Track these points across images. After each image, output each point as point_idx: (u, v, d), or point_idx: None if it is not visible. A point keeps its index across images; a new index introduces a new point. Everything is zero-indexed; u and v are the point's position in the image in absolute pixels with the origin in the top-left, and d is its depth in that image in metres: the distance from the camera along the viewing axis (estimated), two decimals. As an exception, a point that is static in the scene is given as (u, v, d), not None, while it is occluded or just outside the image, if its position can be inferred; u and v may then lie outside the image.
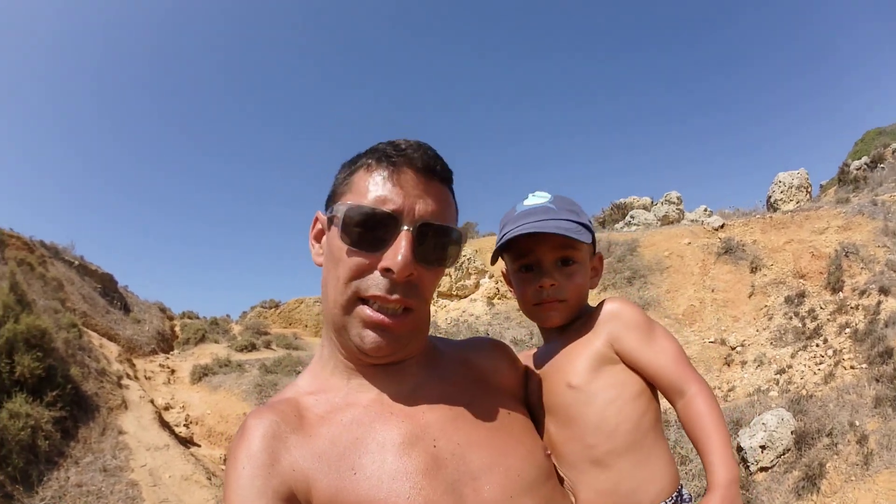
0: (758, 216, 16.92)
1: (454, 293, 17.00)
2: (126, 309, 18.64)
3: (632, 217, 20.73)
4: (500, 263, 1.60)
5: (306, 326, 24.94)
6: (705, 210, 20.32)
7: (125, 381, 10.90)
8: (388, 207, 1.13)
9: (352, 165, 1.23)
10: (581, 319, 1.48)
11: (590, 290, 1.52)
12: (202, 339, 18.89)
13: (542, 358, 1.50)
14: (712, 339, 13.25)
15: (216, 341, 18.96)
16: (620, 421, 1.32)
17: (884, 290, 11.05)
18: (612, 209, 22.96)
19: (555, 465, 1.35)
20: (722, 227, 16.69)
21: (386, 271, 1.12)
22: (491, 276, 16.75)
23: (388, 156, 1.17)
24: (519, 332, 13.51)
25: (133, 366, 13.25)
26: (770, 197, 18.97)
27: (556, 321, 1.48)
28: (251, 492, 1.01)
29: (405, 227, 1.12)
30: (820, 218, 14.73)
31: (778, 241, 14.86)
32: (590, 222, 1.49)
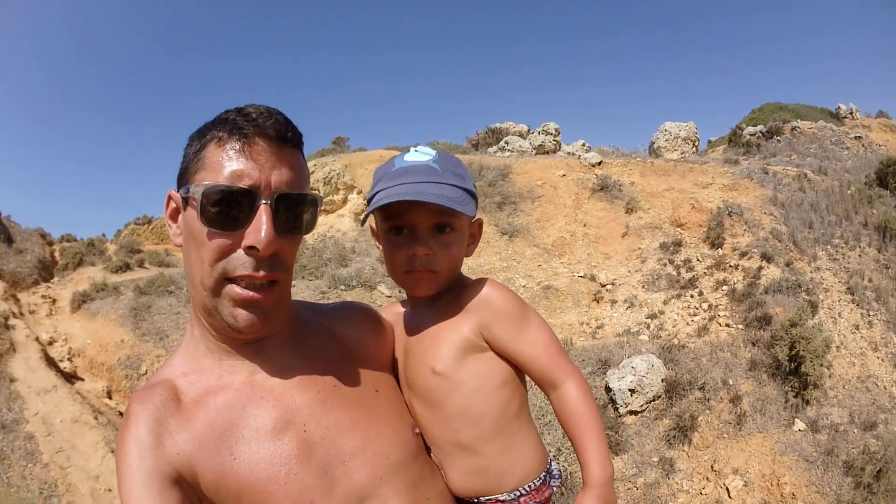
0: (638, 159, 16.76)
1: (322, 208, 16.05)
2: (9, 240, 17.75)
3: (506, 143, 20.04)
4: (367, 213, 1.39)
5: None
6: (583, 145, 20.01)
7: (11, 321, 10.81)
8: (244, 183, 1.09)
9: (201, 139, 1.16)
10: (453, 293, 1.40)
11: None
12: (80, 263, 18.04)
13: (409, 328, 1.45)
14: (582, 274, 12.95)
15: (93, 264, 18.20)
16: (486, 410, 1.30)
17: (766, 257, 11.09)
18: (486, 133, 22.35)
19: (424, 441, 1.36)
20: (600, 164, 16.39)
21: (250, 249, 1.10)
22: (359, 192, 15.87)
23: (240, 127, 1.12)
24: (384, 252, 12.61)
25: (18, 301, 13.21)
26: (653, 143, 18.93)
27: (425, 292, 1.39)
28: (141, 473, 1.00)
29: (263, 202, 1.10)
30: (705, 172, 14.73)
31: (657, 186, 14.75)
32: (474, 187, 1.38)
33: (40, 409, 8.30)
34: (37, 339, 10.50)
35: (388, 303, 10.59)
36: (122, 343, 11.02)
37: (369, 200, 1.36)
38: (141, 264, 18.03)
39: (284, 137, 1.14)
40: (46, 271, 17.75)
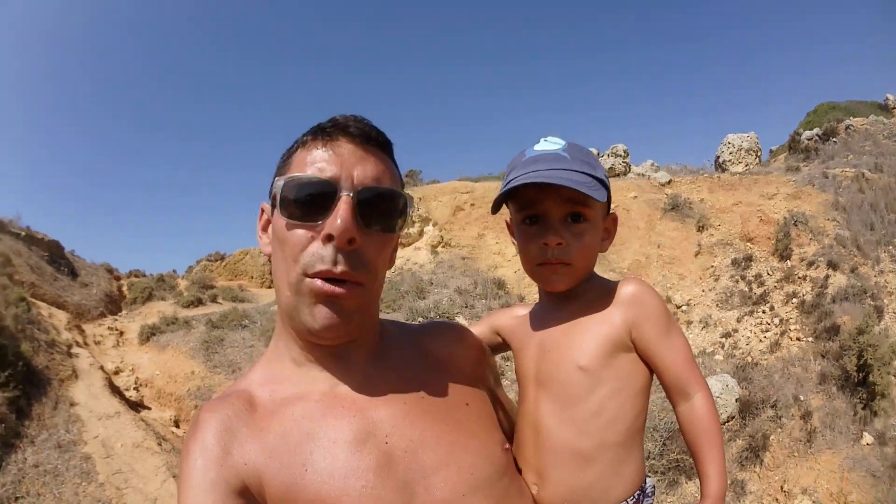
0: (705, 175, 16.62)
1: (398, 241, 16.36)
2: (73, 274, 17.65)
3: (577, 167, 20.03)
4: (503, 211, 1.43)
5: (252, 278, 24.23)
6: (652, 165, 19.92)
7: (75, 350, 10.36)
8: (324, 175, 1.07)
9: (290, 149, 1.17)
10: (594, 292, 1.35)
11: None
12: (149, 298, 18.01)
13: (541, 323, 1.38)
14: (658, 297, 12.95)
15: (163, 298, 18.08)
16: (619, 416, 1.25)
17: (832, 265, 10.87)
18: None
19: (514, 458, 1.30)
20: (669, 182, 16.35)
21: (328, 239, 1.04)
22: (434, 224, 16.01)
23: (323, 128, 1.12)
24: (463, 282, 12.93)
25: (82, 332, 12.65)
26: (718, 157, 18.65)
27: (560, 286, 1.34)
28: (204, 483, 0.96)
29: (345, 193, 1.06)
30: (769, 183, 14.48)
31: (726, 201, 14.59)
32: (606, 177, 1.33)
33: (101, 432, 8.02)
34: (101, 367, 10.15)
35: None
36: (193, 374, 10.89)
37: (501, 191, 1.35)
38: (214, 299, 17.76)
39: (368, 137, 1.13)
40: (113, 304, 17.55)
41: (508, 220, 1.45)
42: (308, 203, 1.06)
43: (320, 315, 1.06)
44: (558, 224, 1.30)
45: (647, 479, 1.33)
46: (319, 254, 1.04)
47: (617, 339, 1.28)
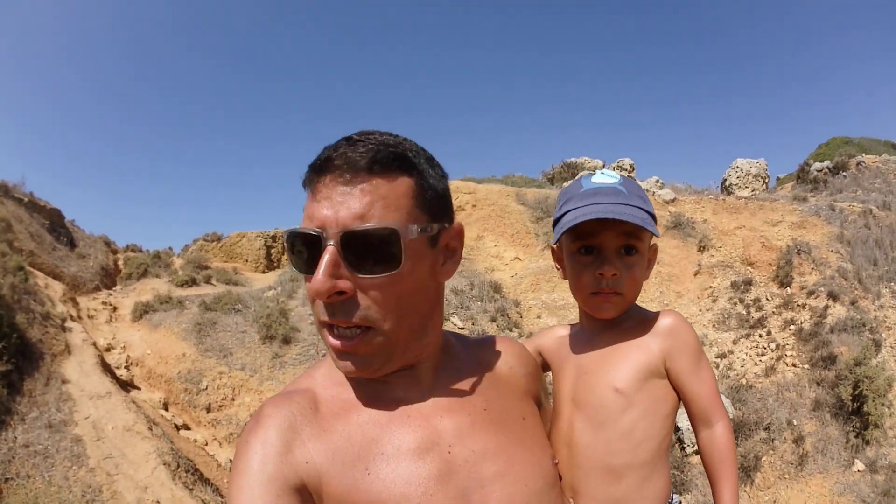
0: (710, 196, 16.87)
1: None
2: (72, 244, 17.33)
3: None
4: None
5: (247, 261, 23.64)
6: (657, 181, 20.11)
7: (69, 324, 10.34)
8: (313, 225, 1.02)
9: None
10: (634, 320, 1.42)
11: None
12: (144, 274, 17.69)
13: (581, 347, 1.45)
14: (654, 312, 13.10)
15: (158, 276, 17.70)
16: (648, 436, 1.32)
17: (832, 296, 11.13)
18: (562, 167, 22.17)
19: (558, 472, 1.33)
20: (673, 200, 16.56)
21: (316, 294, 1.02)
22: None
23: (314, 163, 1.07)
24: (459, 283, 13.02)
25: (77, 305, 12.67)
26: (725, 180, 18.96)
27: (610, 314, 1.40)
28: (262, 476, 0.97)
29: (329, 243, 1.00)
30: (775, 210, 14.74)
31: (729, 224, 14.83)
32: (654, 210, 1.38)
33: (91, 413, 7.91)
34: (94, 343, 10.03)
35: (467, 332, 10.99)
36: (184, 357, 10.77)
37: (556, 221, 1.40)
38: (208, 280, 17.49)
39: (355, 166, 1.03)
40: (109, 278, 17.26)
41: (555, 245, 1.49)
42: (303, 255, 1.05)
43: (340, 364, 1.08)
44: (613, 256, 1.36)
45: (674, 496, 1.40)
46: (321, 307, 1.04)
47: (652, 366, 1.35)
